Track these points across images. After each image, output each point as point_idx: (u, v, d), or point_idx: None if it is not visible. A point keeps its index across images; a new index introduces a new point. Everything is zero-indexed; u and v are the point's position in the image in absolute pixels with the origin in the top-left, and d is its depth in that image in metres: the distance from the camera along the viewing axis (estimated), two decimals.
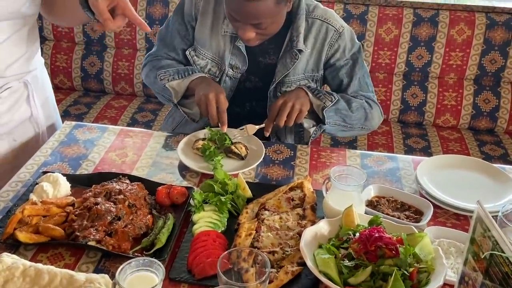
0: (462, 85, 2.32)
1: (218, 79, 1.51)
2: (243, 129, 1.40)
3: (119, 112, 2.36)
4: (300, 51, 1.45)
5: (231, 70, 1.49)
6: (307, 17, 1.45)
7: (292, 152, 1.42)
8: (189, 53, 1.52)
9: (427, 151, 2.17)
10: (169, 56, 1.57)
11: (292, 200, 1.16)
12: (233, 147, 1.36)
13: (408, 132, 2.31)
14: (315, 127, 1.47)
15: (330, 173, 1.10)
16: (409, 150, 2.17)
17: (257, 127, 1.39)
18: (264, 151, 1.37)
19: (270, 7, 1.28)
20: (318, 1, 1.54)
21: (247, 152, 1.37)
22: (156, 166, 1.33)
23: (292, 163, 1.38)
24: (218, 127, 1.39)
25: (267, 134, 1.39)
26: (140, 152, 1.39)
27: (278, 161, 1.38)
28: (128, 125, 2.26)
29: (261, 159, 1.34)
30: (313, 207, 1.14)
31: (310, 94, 1.41)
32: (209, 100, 1.35)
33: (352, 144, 2.19)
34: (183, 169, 1.32)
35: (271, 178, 1.31)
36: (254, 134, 1.44)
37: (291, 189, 1.21)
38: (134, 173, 1.29)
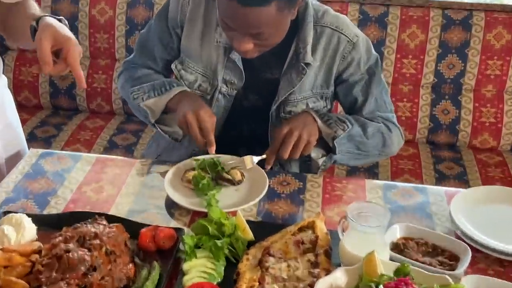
0: (503, 99, 2.33)
1: (209, 97, 1.52)
2: (241, 161, 1.40)
3: (95, 135, 2.37)
4: (307, 64, 1.46)
5: (225, 87, 1.50)
6: (316, 25, 1.45)
7: (301, 184, 1.42)
8: (175, 67, 1.53)
9: (462, 179, 2.16)
10: (148, 66, 1.58)
11: (302, 243, 1.15)
12: (224, 173, 1.37)
13: (439, 156, 2.31)
14: (324, 158, 1.47)
15: (347, 210, 1.10)
16: (441, 178, 2.17)
17: (257, 158, 1.40)
18: (267, 183, 1.37)
19: (272, 14, 1.27)
20: (328, 3, 1.56)
21: (242, 178, 1.38)
22: (139, 202, 1.33)
23: (301, 197, 1.37)
24: (207, 152, 1.39)
25: (269, 167, 1.40)
26: (120, 185, 1.39)
27: (285, 194, 1.38)
28: (106, 150, 2.27)
29: (264, 192, 1.33)
30: (327, 252, 1.13)
31: (319, 121, 1.43)
32: (189, 121, 1.36)
33: (372, 170, 2.19)
34: (171, 206, 1.32)
35: (277, 215, 1.31)
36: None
37: (301, 229, 1.21)
38: (113, 211, 1.29)
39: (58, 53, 1.20)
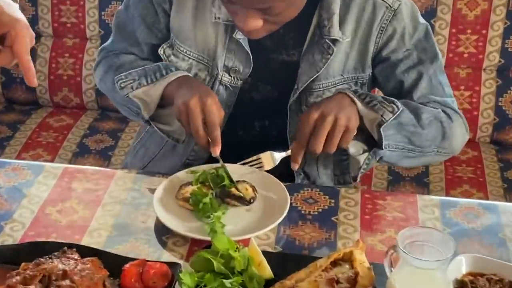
0: None
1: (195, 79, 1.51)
2: (258, 160, 1.37)
3: (61, 136, 2.34)
4: (334, 41, 1.44)
5: (227, 76, 1.49)
6: None
7: (333, 201, 1.40)
8: (163, 52, 1.51)
9: None
10: (130, 53, 1.57)
11: (338, 282, 1.12)
12: (232, 189, 1.34)
13: (507, 160, 2.27)
14: (367, 154, 1.43)
15: (397, 239, 1.06)
16: (510, 189, 2.12)
17: (280, 155, 1.36)
18: (288, 201, 1.34)
19: None
20: None
21: (255, 194, 1.35)
22: (120, 228, 1.30)
23: (333, 219, 1.35)
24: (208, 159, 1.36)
25: (296, 167, 1.37)
26: (95, 205, 1.36)
27: (311, 215, 1.36)
28: (75, 156, 2.24)
29: (285, 213, 1.31)
30: None
31: (358, 102, 1.39)
32: (191, 110, 1.33)
33: (420, 179, 2.15)
34: (164, 233, 1.29)
35: (302, 244, 1.28)
36: (271, 171, 1.41)
37: (335, 263, 1.17)
38: (86, 240, 1.26)
39: (3, 39, 1.18)
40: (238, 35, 1.44)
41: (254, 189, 1.36)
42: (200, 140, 1.35)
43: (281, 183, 1.38)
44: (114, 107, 2.47)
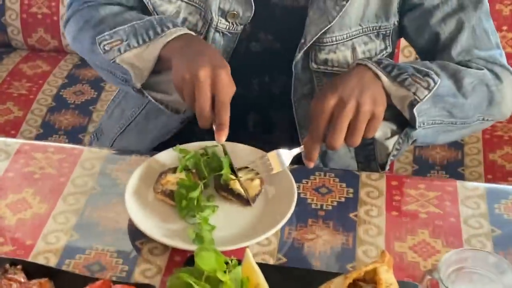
0: None
1: (202, 37, 1.35)
2: (264, 160, 1.18)
3: (35, 87, 2.15)
4: None
5: (223, 21, 1.32)
6: None
7: (351, 190, 1.20)
8: None
9: None
10: (113, 2, 1.38)
11: None
12: (232, 181, 1.15)
13: None
14: (397, 137, 1.23)
15: (439, 266, 0.89)
16: None
17: (291, 154, 1.16)
18: (295, 192, 1.13)
19: None
20: None
21: (260, 189, 1.16)
22: (84, 230, 1.11)
23: (351, 215, 1.15)
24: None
25: (312, 165, 1.17)
26: (55, 197, 1.17)
27: (324, 211, 1.16)
28: (51, 111, 2.05)
29: (292, 210, 1.10)
30: None
31: (384, 77, 1.19)
32: (200, 84, 1.14)
33: (454, 149, 1.92)
34: (138, 237, 1.09)
35: (311, 252, 1.08)
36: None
37: (354, 284, 0.97)
38: (41, 247, 1.07)
39: None
40: None
41: (261, 182, 1.16)
42: (204, 121, 1.16)
43: (287, 171, 1.17)
44: None
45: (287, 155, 1.16)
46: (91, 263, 1.03)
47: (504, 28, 2.07)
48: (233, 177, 1.15)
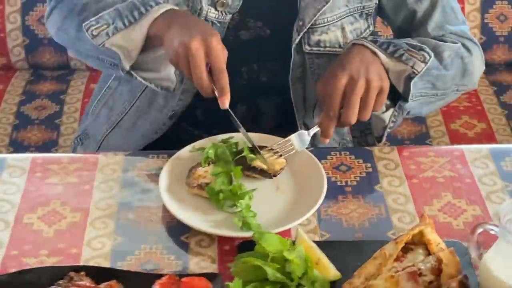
0: None
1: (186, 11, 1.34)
2: (287, 143, 1.21)
3: None
4: None
5: (213, 10, 1.32)
6: None
7: (369, 165, 1.25)
8: None
9: None
10: None
11: (421, 275, 0.96)
12: (254, 160, 1.18)
13: (499, 82, 2.16)
14: (392, 110, 1.29)
15: (499, 213, 0.92)
16: (511, 114, 2.01)
17: (310, 133, 1.20)
18: (323, 172, 1.17)
19: None
20: None
21: (284, 164, 1.19)
22: (126, 232, 1.10)
23: (377, 188, 1.20)
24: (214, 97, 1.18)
25: (327, 141, 1.21)
26: (85, 204, 1.15)
27: (350, 187, 1.20)
28: (16, 129, 1.97)
29: (325, 188, 1.14)
30: (464, 285, 0.94)
31: (381, 54, 1.25)
32: (193, 54, 1.15)
33: (417, 118, 1.99)
34: (182, 232, 1.10)
35: (351, 225, 1.12)
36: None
37: (405, 248, 1.02)
38: (88, 254, 1.06)
39: None
40: None
41: (285, 160, 1.19)
42: (205, 89, 1.17)
43: (313, 156, 1.21)
44: (48, 65, 2.24)
45: (305, 135, 1.20)
46: (144, 263, 1.03)
47: None
48: (253, 155, 1.18)
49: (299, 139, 1.19)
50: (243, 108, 1.40)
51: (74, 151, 1.54)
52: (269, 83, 1.42)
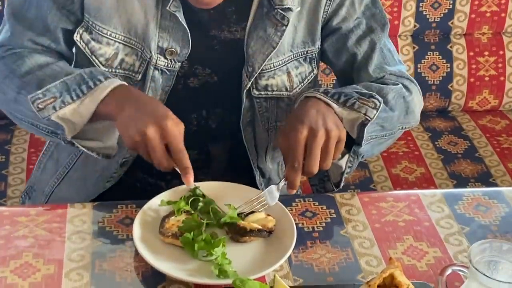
0: (502, 42, 2.31)
1: (140, 77, 1.35)
2: (258, 198, 1.23)
3: None
4: (287, 10, 1.33)
5: (162, 58, 1.34)
6: None
7: (333, 211, 1.29)
8: (80, 38, 1.34)
9: (474, 157, 2.12)
10: (41, 46, 1.35)
11: None
12: (247, 225, 1.18)
13: (432, 127, 2.27)
14: (347, 156, 1.34)
15: (469, 253, 0.97)
16: (447, 158, 2.12)
17: (278, 187, 1.23)
18: (291, 219, 1.21)
19: None
20: None
21: (274, 222, 1.21)
22: (101, 283, 1.10)
23: (342, 232, 1.24)
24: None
25: (294, 192, 1.23)
26: (58, 256, 1.14)
27: (317, 232, 1.23)
28: None
29: (295, 235, 1.17)
30: None
31: (334, 104, 1.30)
32: (150, 141, 1.17)
33: (360, 163, 2.03)
34: (157, 281, 1.10)
35: (322, 270, 1.15)
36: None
37: None
38: None
39: None
40: (172, 7, 1.28)
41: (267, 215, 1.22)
42: (166, 169, 1.20)
43: (281, 204, 1.23)
44: None
45: (275, 191, 1.22)
46: None
47: None
48: (245, 223, 1.18)
49: (270, 196, 1.21)
50: (193, 153, 1.38)
51: (23, 204, 1.53)
52: (218, 129, 1.44)
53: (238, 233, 1.16)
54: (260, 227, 1.17)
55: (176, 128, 1.19)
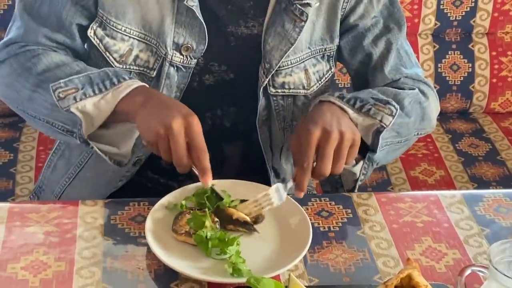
0: None
1: (155, 73, 1.37)
2: (266, 198, 1.23)
3: None
4: (306, 5, 1.34)
5: (178, 54, 1.35)
6: None
7: (349, 211, 1.30)
8: (94, 34, 1.35)
9: (494, 159, 2.13)
10: (55, 43, 1.37)
11: None
12: (231, 209, 1.21)
13: (453, 129, 2.28)
14: (362, 162, 1.35)
15: (488, 253, 0.99)
16: (468, 161, 2.12)
17: (286, 186, 1.24)
18: (307, 218, 1.22)
19: None
20: None
21: (262, 214, 1.23)
22: (115, 281, 1.12)
23: (359, 233, 1.25)
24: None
25: (302, 195, 1.24)
26: (69, 253, 1.16)
27: (334, 232, 1.25)
28: None
29: (311, 234, 1.19)
30: None
31: (349, 110, 1.30)
32: (174, 135, 1.18)
33: (378, 171, 2.06)
34: (170, 280, 1.12)
35: (338, 270, 1.16)
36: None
37: None
38: None
39: None
40: (190, 1, 1.29)
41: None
42: (184, 167, 1.21)
43: (296, 203, 1.25)
44: None
45: (282, 190, 1.22)
46: None
47: None
48: (233, 210, 1.20)
49: (277, 194, 1.22)
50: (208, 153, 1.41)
51: None
52: (233, 128, 1.45)
53: (224, 220, 1.19)
54: (247, 219, 1.19)
55: (198, 126, 1.20)
